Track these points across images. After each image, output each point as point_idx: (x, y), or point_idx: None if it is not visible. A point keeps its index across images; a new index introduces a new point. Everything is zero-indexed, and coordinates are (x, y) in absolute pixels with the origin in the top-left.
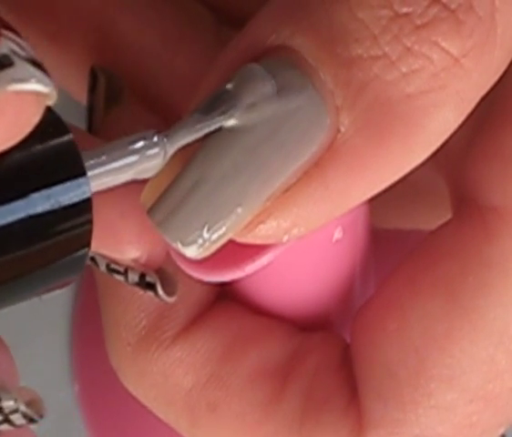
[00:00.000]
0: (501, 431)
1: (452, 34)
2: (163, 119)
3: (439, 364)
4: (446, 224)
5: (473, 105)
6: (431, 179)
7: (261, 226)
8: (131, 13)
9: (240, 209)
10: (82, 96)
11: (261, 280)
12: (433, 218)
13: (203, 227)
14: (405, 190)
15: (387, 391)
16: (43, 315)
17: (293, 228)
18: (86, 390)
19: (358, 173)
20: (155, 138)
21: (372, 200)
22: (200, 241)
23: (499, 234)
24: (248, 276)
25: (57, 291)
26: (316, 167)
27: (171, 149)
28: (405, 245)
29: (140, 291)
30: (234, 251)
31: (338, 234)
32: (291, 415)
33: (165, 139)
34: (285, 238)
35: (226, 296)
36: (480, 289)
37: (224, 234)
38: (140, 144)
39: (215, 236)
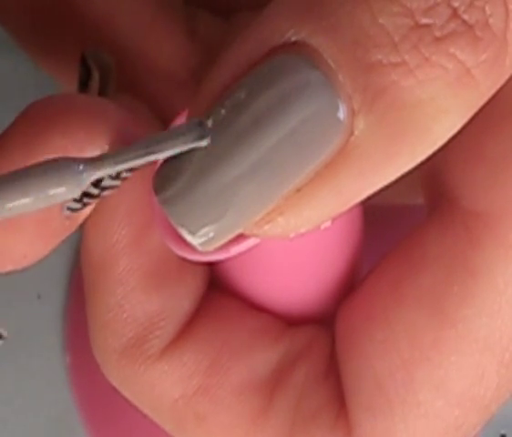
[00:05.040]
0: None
1: (469, 48)
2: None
3: (427, 375)
4: (427, 227)
5: (475, 111)
6: None
7: (271, 224)
8: None
9: (252, 208)
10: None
11: (248, 266)
12: (408, 192)
13: (213, 221)
14: None
15: (376, 404)
16: (42, 315)
17: (301, 227)
18: (83, 391)
19: (368, 176)
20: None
21: None
22: (211, 235)
23: (484, 242)
24: (234, 261)
25: (56, 291)
26: (328, 170)
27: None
28: (396, 231)
29: (128, 304)
30: None
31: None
32: (281, 430)
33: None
34: (291, 235)
35: (211, 307)
36: (465, 298)
37: (233, 230)
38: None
39: (223, 231)
